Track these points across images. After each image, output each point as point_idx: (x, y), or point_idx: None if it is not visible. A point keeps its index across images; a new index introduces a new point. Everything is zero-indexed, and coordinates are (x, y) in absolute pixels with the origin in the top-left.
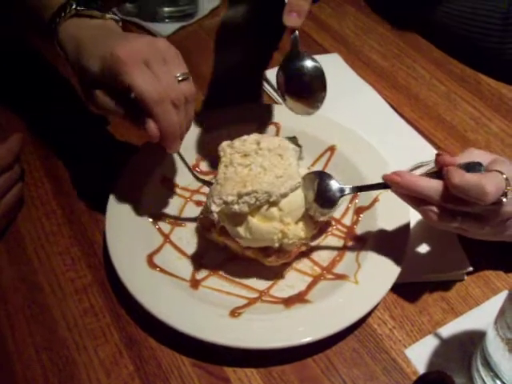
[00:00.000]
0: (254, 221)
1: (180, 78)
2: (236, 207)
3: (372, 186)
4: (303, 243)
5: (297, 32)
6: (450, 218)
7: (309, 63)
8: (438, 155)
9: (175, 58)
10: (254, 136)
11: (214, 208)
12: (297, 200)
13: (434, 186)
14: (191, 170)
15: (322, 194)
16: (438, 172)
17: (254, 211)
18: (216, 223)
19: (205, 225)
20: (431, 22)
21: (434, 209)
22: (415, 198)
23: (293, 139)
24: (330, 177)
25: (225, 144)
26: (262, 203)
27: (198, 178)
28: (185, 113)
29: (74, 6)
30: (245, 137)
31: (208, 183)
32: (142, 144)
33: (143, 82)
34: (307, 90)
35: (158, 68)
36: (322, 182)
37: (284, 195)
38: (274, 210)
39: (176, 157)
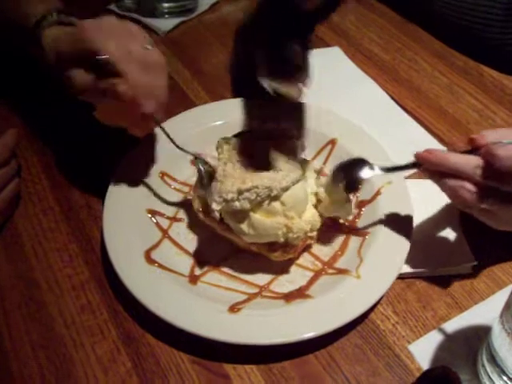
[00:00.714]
0: (257, 216)
1: (149, 48)
2: (237, 204)
3: (402, 166)
4: (309, 237)
5: None
6: (484, 197)
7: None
8: (470, 139)
9: (140, 34)
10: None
11: (215, 206)
12: (299, 193)
13: (470, 160)
14: (173, 141)
15: (351, 177)
16: (470, 152)
17: (257, 207)
18: (218, 221)
19: (204, 210)
20: (432, 13)
21: (469, 185)
22: (447, 177)
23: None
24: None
25: (221, 141)
26: (263, 198)
27: (180, 148)
28: (156, 78)
29: (54, 15)
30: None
31: (192, 154)
32: (141, 139)
33: (107, 43)
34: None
35: (123, 37)
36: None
37: (285, 189)
38: (276, 204)
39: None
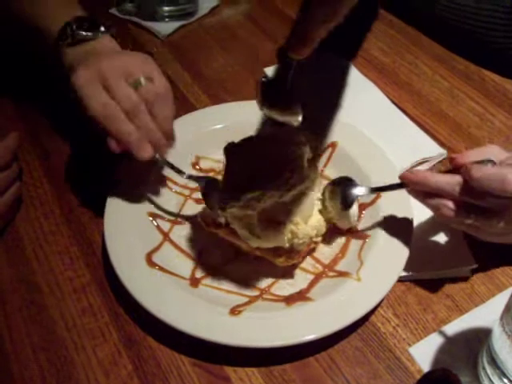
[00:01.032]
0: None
1: (142, 83)
2: (241, 211)
3: (387, 187)
4: (313, 241)
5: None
6: (464, 213)
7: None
8: (451, 158)
9: (137, 67)
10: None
11: (220, 213)
12: (305, 199)
13: (450, 179)
14: (178, 170)
15: (343, 198)
16: (452, 171)
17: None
18: (223, 224)
19: (207, 221)
20: (433, 17)
21: (449, 204)
22: (430, 196)
23: None
24: (349, 180)
25: (228, 146)
26: (268, 204)
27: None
28: (156, 114)
29: (69, 32)
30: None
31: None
32: None
33: (92, 101)
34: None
35: (113, 83)
36: (343, 186)
37: (291, 196)
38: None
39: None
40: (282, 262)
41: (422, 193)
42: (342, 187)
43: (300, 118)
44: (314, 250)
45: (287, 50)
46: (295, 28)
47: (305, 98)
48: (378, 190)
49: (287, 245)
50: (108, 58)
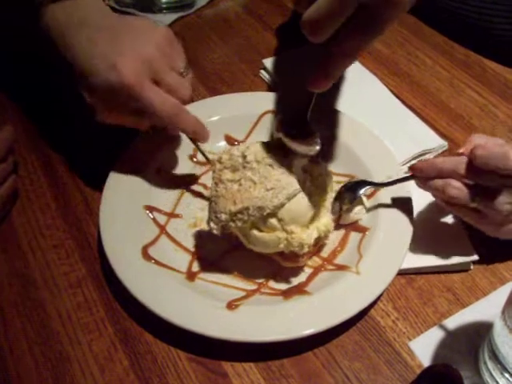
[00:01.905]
0: (256, 233)
1: (182, 71)
2: (232, 224)
3: (394, 181)
4: (321, 241)
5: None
6: (469, 193)
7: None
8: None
9: (175, 53)
10: (241, 147)
11: (213, 226)
12: (298, 207)
13: (455, 159)
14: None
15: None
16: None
17: (256, 223)
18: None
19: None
20: (434, 6)
21: (454, 182)
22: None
23: None
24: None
25: (214, 160)
26: (257, 218)
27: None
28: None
29: None
30: (232, 149)
31: None
32: (138, 135)
33: (156, 102)
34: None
35: (165, 76)
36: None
37: (280, 206)
38: (273, 221)
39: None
40: (288, 265)
41: (429, 180)
42: (344, 188)
43: (318, 148)
44: (320, 250)
45: (308, 84)
46: (319, 65)
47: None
48: (385, 185)
49: (286, 251)
50: (140, 43)
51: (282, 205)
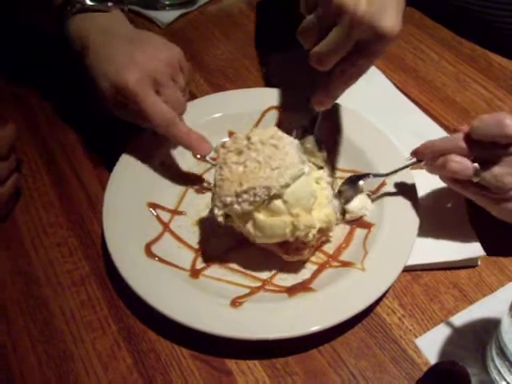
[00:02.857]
0: (261, 217)
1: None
2: (237, 207)
3: (397, 170)
4: (324, 234)
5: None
6: (471, 167)
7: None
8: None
9: (180, 72)
10: (248, 132)
11: (217, 211)
12: (302, 189)
13: (454, 136)
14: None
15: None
16: None
17: (260, 207)
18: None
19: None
20: (439, 0)
21: (455, 156)
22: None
23: None
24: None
25: (218, 146)
26: (263, 199)
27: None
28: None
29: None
30: (236, 134)
31: None
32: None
33: (154, 110)
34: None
35: (165, 88)
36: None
37: (285, 186)
38: (278, 202)
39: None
40: (289, 258)
41: (435, 163)
42: (346, 181)
43: (323, 162)
44: (322, 245)
45: (313, 104)
46: (322, 86)
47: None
48: (387, 175)
49: (291, 239)
50: (151, 58)
51: (288, 185)
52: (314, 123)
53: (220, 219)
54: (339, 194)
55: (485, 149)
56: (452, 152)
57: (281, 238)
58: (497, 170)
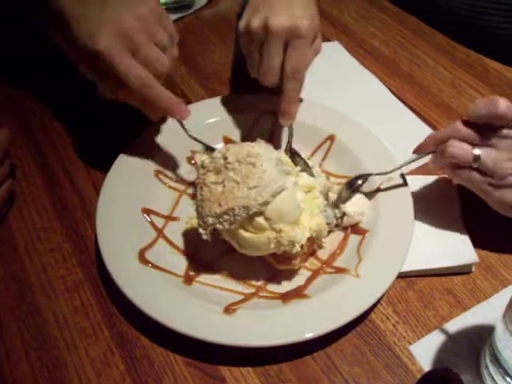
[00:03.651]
0: (246, 234)
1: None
2: (219, 226)
3: (403, 164)
4: (314, 243)
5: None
6: (470, 152)
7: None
8: None
9: (159, 27)
10: (222, 149)
11: (202, 231)
12: (284, 204)
13: (450, 126)
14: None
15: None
16: None
17: (244, 224)
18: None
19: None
20: (433, 5)
21: (454, 142)
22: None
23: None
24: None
25: (198, 166)
26: (243, 218)
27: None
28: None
29: None
30: (214, 153)
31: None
32: (136, 137)
33: (126, 72)
34: None
35: (141, 47)
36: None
37: (264, 204)
38: (260, 219)
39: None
40: (281, 267)
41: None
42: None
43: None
44: (315, 251)
45: (281, 120)
46: (280, 108)
47: None
48: (387, 173)
49: (278, 252)
50: (122, 14)
51: (267, 203)
52: (290, 139)
53: (205, 237)
54: (339, 196)
55: (483, 133)
56: (450, 137)
57: (267, 252)
58: (495, 154)
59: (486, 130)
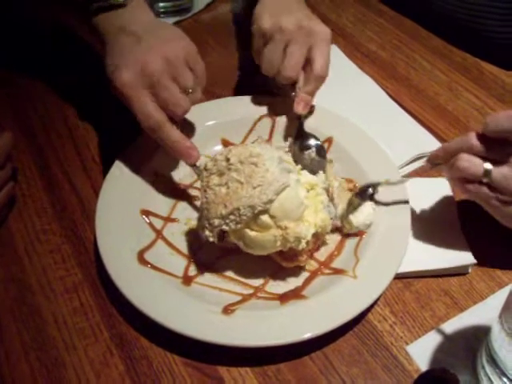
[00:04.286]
0: (252, 234)
1: (189, 90)
2: (226, 227)
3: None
4: (318, 239)
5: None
6: (480, 166)
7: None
8: None
9: (186, 70)
10: (224, 151)
11: (208, 233)
12: (288, 201)
13: (462, 137)
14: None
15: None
16: None
17: (249, 223)
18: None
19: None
20: (430, 9)
21: (464, 155)
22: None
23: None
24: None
25: (201, 169)
26: (249, 217)
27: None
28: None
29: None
30: (216, 155)
31: None
32: (135, 140)
33: (141, 113)
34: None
35: (160, 91)
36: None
37: (269, 202)
38: (265, 218)
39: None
40: (288, 264)
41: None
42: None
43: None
44: (319, 248)
45: (296, 109)
46: (298, 97)
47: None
48: (399, 183)
49: (284, 249)
50: (150, 53)
51: (271, 201)
52: (301, 125)
53: (212, 239)
54: (348, 206)
55: (496, 148)
56: (463, 151)
57: (274, 249)
58: (506, 169)
59: (498, 144)
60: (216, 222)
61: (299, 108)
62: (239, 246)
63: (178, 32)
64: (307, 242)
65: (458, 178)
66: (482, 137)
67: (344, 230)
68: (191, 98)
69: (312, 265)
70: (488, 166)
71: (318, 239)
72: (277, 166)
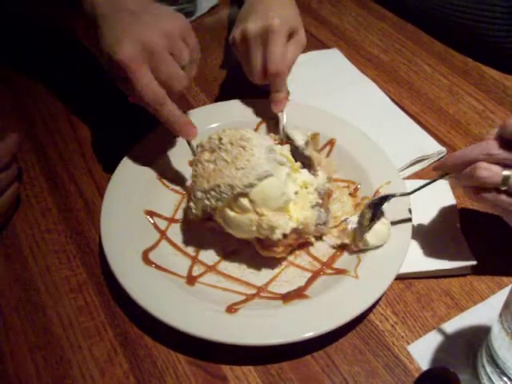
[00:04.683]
0: (231, 213)
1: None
2: (206, 202)
3: (426, 184)
4: (300, 237)
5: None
6: (499, 174)
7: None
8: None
9: (183, 46)
10: (220, 131)
11: (192, 205)
12: (270, 189)
13: (479, 144)
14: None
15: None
16: None
17: (231, 204)
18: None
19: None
20: (431, 13)
21: (482, 163)
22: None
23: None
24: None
25: (198, 145)
26: (229, 196)
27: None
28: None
29: None
30: (212, 134)
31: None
32: (138, 141)
33: (141, 87)
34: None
35: (160, 65)
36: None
37: (250, 186)
38: (244, 201)
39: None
40: (264, 253)
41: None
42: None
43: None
44: (308, 246)
45: (274, 107)
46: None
47: None
48: (410, 193)
49: (260, 236)
50: (149, 28)
51: (252, 184)
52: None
53: (194, 211)
54: (361, 218)
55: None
56: (478, 160)
57: (250, 234)
58: None
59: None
60: (199, 194)
61: (273, 108)
62: (222, 225)
63: (173, 11)
64: (285, 235)
65: (473, 185)
66: (497, 143)
67: (356, 247)
68: (187, 72)
69: (314, 265)
70: (506, 172)
71: (301, 237)
72: (264, 154)
